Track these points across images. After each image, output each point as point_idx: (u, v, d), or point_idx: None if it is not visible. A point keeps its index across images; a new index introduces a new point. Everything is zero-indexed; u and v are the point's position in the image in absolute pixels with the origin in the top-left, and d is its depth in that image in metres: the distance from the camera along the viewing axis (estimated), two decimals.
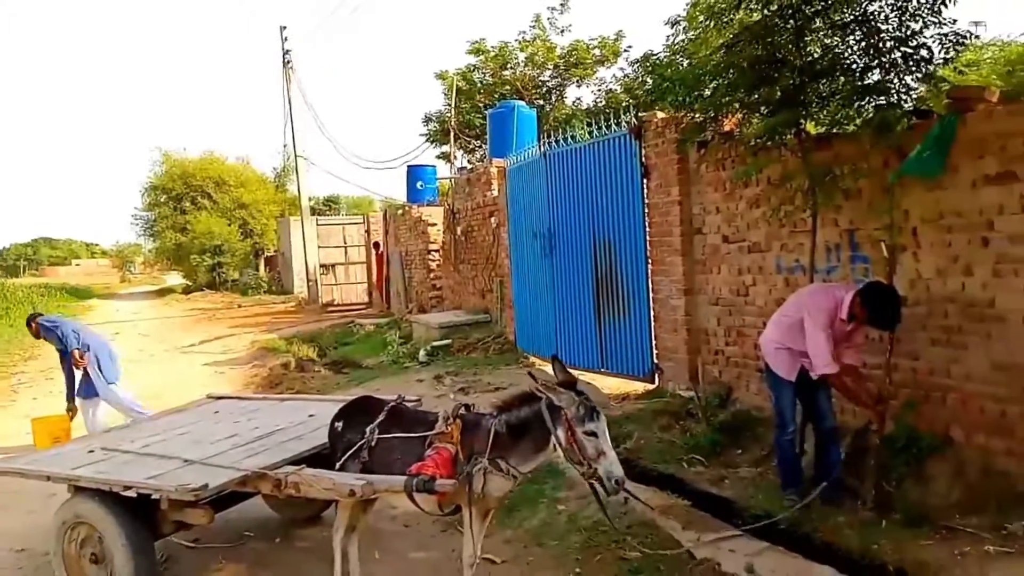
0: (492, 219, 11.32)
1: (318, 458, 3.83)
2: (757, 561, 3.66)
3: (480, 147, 21.55)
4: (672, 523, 4.18)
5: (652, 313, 7.12)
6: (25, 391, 11.11)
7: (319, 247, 21.64)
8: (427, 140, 23.78)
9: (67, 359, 7.06)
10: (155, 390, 9.91)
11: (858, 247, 4.98)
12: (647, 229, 7.09)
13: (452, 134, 17.44)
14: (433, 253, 14.52)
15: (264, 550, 4.58)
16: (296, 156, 23.50)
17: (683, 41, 16.18)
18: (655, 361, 7.13)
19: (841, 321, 4.21)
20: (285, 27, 23.44)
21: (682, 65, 14.51)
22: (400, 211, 16.65)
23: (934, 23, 4.44)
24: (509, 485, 3.32)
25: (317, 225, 22.44)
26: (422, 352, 10.47)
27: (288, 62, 23.33)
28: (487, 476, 3.22)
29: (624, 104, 15.74)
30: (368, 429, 3.60)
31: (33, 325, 7.40)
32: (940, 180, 4.35)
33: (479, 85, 22.61)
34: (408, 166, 17.48)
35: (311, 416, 4.68)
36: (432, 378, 8.74)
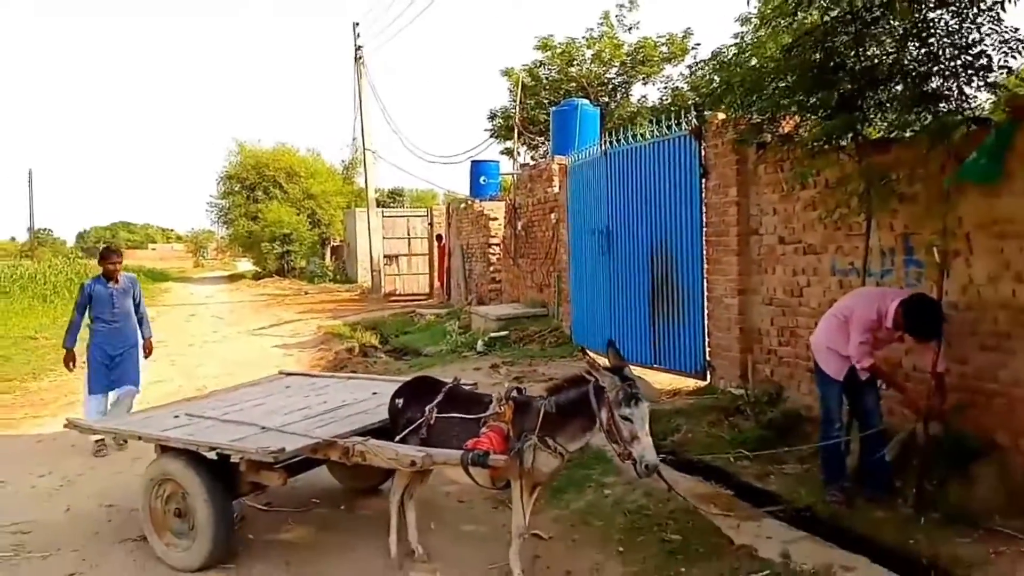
0: (552, 215, 11.55)
1: (381, 432, 4.14)
2: (793, 548, 3.81)
3: (543, 143, 21.74)
4: (714, 511, 4.34)
5: (706, 311, 7.24)
6: None
7: (384, 238, 22.24)
8: (491, 136, 24.11)
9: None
10: (229, 367, 10.52)
11: (912, 251, 5.03)
12: (704, 229, 7.21)
13: (516, 130, 17.70)
14: (494, 247, 14.84)
15: (329, 516, 4.94)
16: (364, 149, 24.14)
17: (752, 40, 16.01)
18: (707, 358, 7.25)
19: (888, 329, 4.32)
20: (358, 23, 24.08)
21: (750, 64, 14.39)
22: (463, 205, 17.03)
23: (994, 31, 4.47)
24: (557, 462, 3.56)
25: (382, 217, 23.05)
26: (480, 342, 10.78)
27: (360, 58, 23.97)
28: (536, 452, 3.47)
29: (690, 103, 15.73)
30: (428, 408, 3.89)
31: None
32: (995, 187, 4.38)
33: (545, 81, 22.79)
34: (472, 161, 17.85)
35: (375, 394, 5.00)
36: (489, 367, 9.04)
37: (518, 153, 19.53)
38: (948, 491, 4.24)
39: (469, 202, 16.48)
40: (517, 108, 18.41)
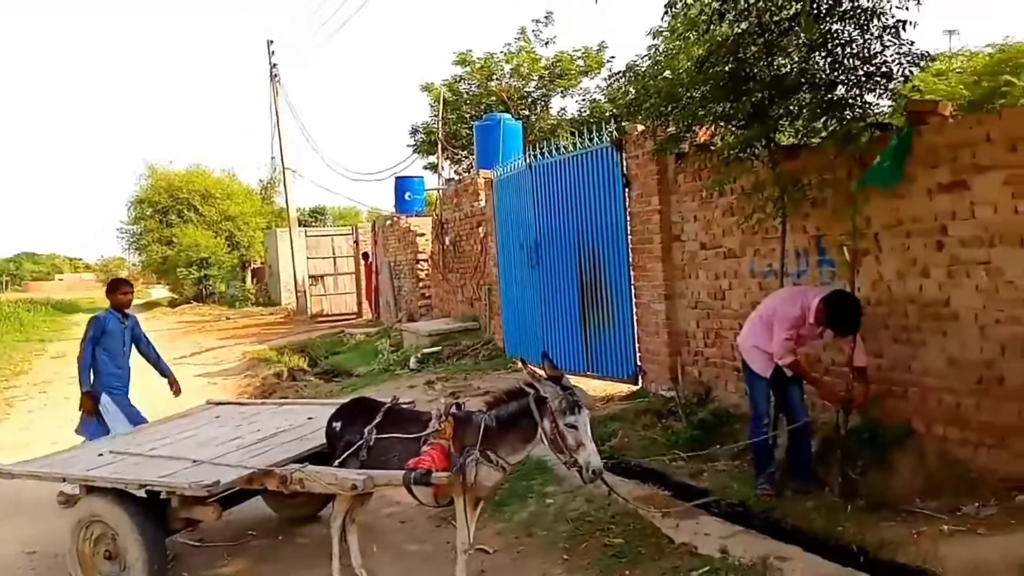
0: (480, 229, 11.59)
1: (318, 457, 4.06)
2: (730, 543, 3.94)
3: (467, 157, 21.82)
4: (653, 512, 4.44)
5: (635, 317, 7.40)
6: (20, 404, 11.22)
7: (308, 258, 21.84)
8: (414, 151, 24.04)
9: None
10: (150, 400, 10.05)
11: (825, 252, 5.29)
12: (629, 237, 7.39)
13: (439, 145, 17.73)
14: (422, 263, 14.78)
15: (266, 547, 4.80)
16: (283, 168, 23.68)
17: (664, 53, 16.55)
18: (638, 363, 7.41)
19: (810, 324, 4.53)
20: (272, 41, 23.68)
21: (664, 75, 14.90)
22: (388, 222, 16.90)
23: (893, 43, 4.77)
24: (499, 475, 3.58)
25: (305, 236, 22.63)
26: (412, 359, 10.70)
27: (275, 76, 23.54)
28: (478, 467, 3.48)
29: (608, 114, 16.10)
30: (366, 429, 3.85)
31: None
32: (898, 189, 4.66)
33: (465, 96, 22.90)
34: (396, 177, 17.75)
35: (310, 419, 4.91)
36: (423, 384, 8.98)
37: (442, 168, 19.54)
38: (870, 478, 4.47)
39: (395, 218, 16.37)
40: (439, 123, 18.46)
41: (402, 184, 17.11)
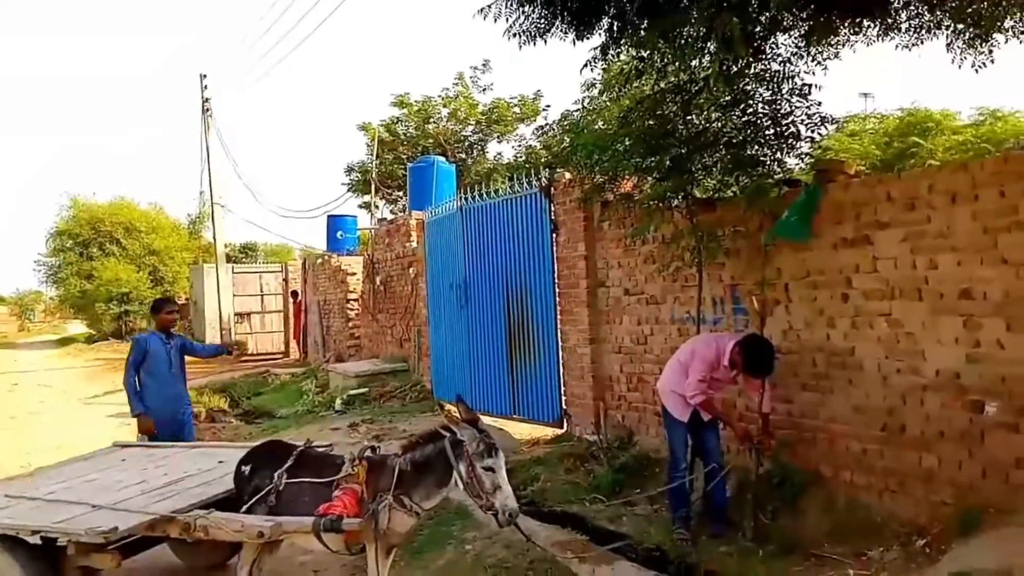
0: (411, 269, 11.56)
1: (227, 502, 3.92)
2: None
3: (402, 198, 21.84)
4: (570, 557, 4.43)
5: (561, 361, 7.47)
6: None
7: (234, 295, 21.28)
8: (349, 190, 23.94)
9: None
10: (56, 441, 9.55)
11: (739, 301, 5.48)
12: (556, 282, 7.49)
13: (373, 185, 17.70)
14: (352, 302, 14.60)
15: None
16: (212, 203, 23.18)
17: (595, 105, 17.05)
18: (564, 407, 7.45)
19: (724, 367, 4.66)
20: (205, 75, 23.34)
21: (596, 126, 15.35)
22: (319, 260, 16.68)
23: (802, 105, 5.06)
24: (412, 521, 3.52)
25: (233, 273, 22.08)
26: (338, 401, 10.50)
27: (207, 109, 23.17)
28: (391, 513, 3.42)
29: (543, 161, 16.41)
30: (276, 473, 3.74)
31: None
32: (807, 242, 4.90)
33: (402, 137, 23.04)
34: (328, 216, 17.59)
35: (220, 463, 4.73)
36: (347, 426, 8.80)
37: (376, 207, 19.48)
38: (782, 522, 4.59)
39: (326, 257, 16.17)
40: (374, 162, 18.45)
41: (334, 223, 16.95)
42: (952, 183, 4.22)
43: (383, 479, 3.47)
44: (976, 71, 5.50)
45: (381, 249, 13.25)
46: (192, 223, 35.63)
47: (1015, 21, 5.28)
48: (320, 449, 4.19)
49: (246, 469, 3.87)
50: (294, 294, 19.13)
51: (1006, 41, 5.43)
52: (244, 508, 3.70)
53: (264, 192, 76.12)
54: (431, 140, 22.63)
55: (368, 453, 3.64)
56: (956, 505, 4.10)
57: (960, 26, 5.35)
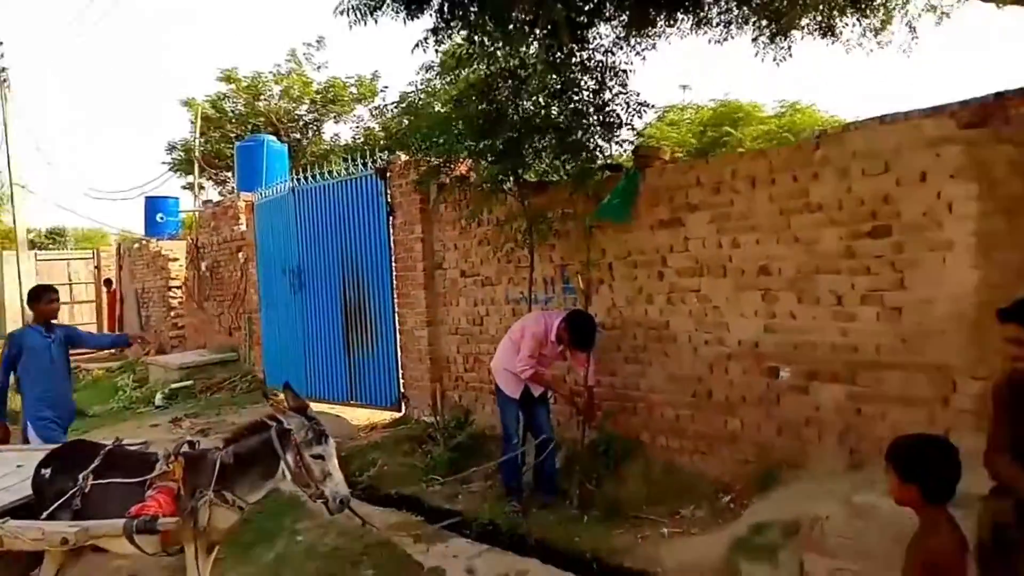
0: (240, 254, 10.98)
1: (27, 510, 3.56)
2: (477, 562, 4.07)
3: (231, 179, 20.65)
4: (406, 539, 4.45)
5: (399, 345, 7.43)
6: None
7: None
8: (170, 169, 22.26)
9: None
10: None
11: (568, 280, 5.71)
12: (393, 264, 7.43)
13: (197, 165, 16.59)
14: (175, 290, 13.63)
15: None
16: (11, 184, 20.72)
17: (433, 87, 16.98)
18: (401, 390, 7.43)
19: (552, 343, 4.85)
20: (1, 43, 20.72)
21: (433, 108, 15.31)
22: (136, 245, 15.43)
23: (622, 93, 5.32)
24: (235, 516, 3.36)
25: (36, 261, 19.92)
26: (159, 396, 9.82)
27: (4, 80, 20.59)
28: (212, 509, 3.25)
29: (381, 142, 16.14)
30: (81, 475, 3.44)
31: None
32: (627, 224, 5.18)
33: (231, 115, 21.73)
34: (147, 197, 16.30)
35: (20, 467, 4.27)
36: (169, 422, 8.27)
37: (201, 188, 18.29)
38: (605, 489, 4.86)
39: (144, 242, 14.98)
40: (197, 140, 17.28)
41: (153, 204, 15.74)
42: (752, 169, 4.62)
43: (202, 475, 3.29)
44: (777, 64, 6.07)
45: (207, 233, 12.46)
46: None
47: (810, 19, 5.85)
48: (133, 448, 3.90)
49: (46, 472, 3.52)
50: (107, 282, 17.55)
51: (802, 38, 6.03)
52: (45, 515, 3.37)
53: (77, 172, 69.05)
54: (262, 118, 21.51)
55: (185, 448, 3.44)
56: (757, 463, 4.54)
57: (764, 23, 5.86)
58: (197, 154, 16.45)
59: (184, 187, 22.54)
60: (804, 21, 5.93)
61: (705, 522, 4.33)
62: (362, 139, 21.12)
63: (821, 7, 5.75)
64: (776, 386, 4.49)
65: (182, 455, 3.37)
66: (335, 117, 22.83)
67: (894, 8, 5.96)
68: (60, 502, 3.40)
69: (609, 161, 5.45)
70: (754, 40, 5.98)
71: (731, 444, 4.71)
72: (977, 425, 3.27)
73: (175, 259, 13.60)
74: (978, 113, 3.72)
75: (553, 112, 5.43)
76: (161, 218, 15.33)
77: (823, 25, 5.92)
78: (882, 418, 4.02)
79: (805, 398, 4.37)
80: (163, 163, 22.70)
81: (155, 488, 3.29)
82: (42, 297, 5.34)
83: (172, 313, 13.54)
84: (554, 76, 5.28)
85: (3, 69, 20.76)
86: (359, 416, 7.74)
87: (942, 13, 5.94)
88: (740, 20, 5.99)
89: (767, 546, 3.64)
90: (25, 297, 5.17)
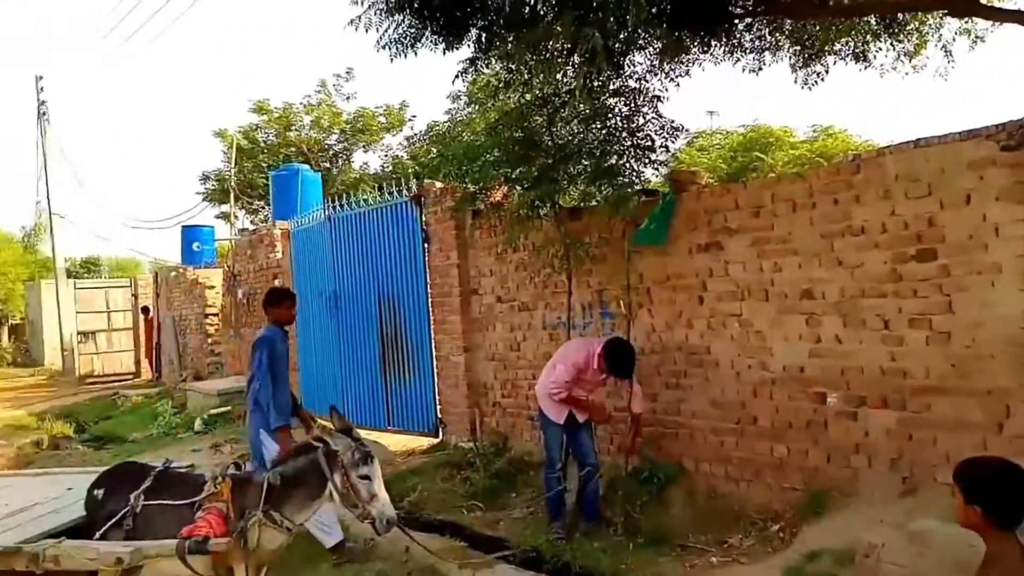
0: (276, 281, 11.13)
1: (78, 531, 3.62)
2: None
3: (264, 208, 21.00)
4: (449, 565, 4.42)
5: (435, 370, 7.46)
6: None
7: (77, 313, 19.64)
8: (205, 199, 22.72)
9: None
10: None
11: (606, 305, 5.70)
12: (429, 290, 7.48)
13: (232, 194, 16.92)
14: (211, 317, 13.85)
15: None
16: (51, 214, 21.32)
17: (464, 116, 17.19)
18: (439, 416, 7.44)
19: (594, 370, 4.84)
20: (42, 77, 21.48)
21: (463, 137, 15.50)
22: (173, 273, 15.73)
23: (656, 118, 5.35)
24: (283, 537, 3.39)
25: (75, 289, 20.40)
26: (198, 421, 9.93)
27: (44, 113, 21.34)
28: (261, 530, 3.28)
29: (410, 170, 16.33)
30: (132, 496, 3.50)
31: None
32: (665, 248, 5.18)
33: (263, 145, 22.18)
34: (183, 226, 16.65)
35: (70, 489, 4.35)
36: (209, 447, 8.36)
37: (235, 217, 18.63)
38: (649, 516, 4.81)
39: (181, 270, 15.26)
40: (232, 170, 17.63)
41: (189, 234, 16.07)
42: (791, 192, 4.61)
43: (251, 495, 3.33)
44: (810, 89, 6.07)
45: (243, 261, 12.67)
46: (27, 236, 32.57)
47: (843, 45, 5.86)
48: (180, 470, 3.96)
49: (99, 493, 3.59)
50: (145, 310, 17.89)
51: (834, 63, 6.04)
52: (98, 535, 3.43)
53: (113, 202, 70.81)
54: (293, 148, 21.93)
55: (231, 470, 3.48)
56: (805, 490, 4.46)
57: (797, 47, 5.87)
58: (232, 183, 16.75)
59: (217, 216, 22.99)
60: (837, 46, 5.94)
61: (755, 551, 4.26)
62: (391, 168, 21.41)
63: (854, 32, 5.76)
64: (823, 411, 4.43)
65: (229, 476, 3.42)
66: (364, 146, 23.20)
67: (928, 32, 5.95)
68: (112, 522, 3.46)
69: (645, 186, 5.47)
70: (792, 66, 6.00)
71: (777, 471, 4.64)
72: None
73: (212, 287, 13.84)
74: (1015, 135, 3.69)
75: (587, 137, 5.48)
76: (197, 247, 15.64)
77: (856, 50, 5.93)
78: (934, 444, 3.94)
79: (854, 424, 4.30)
80: (197, 193, 23.18)
81: (205, 509, 3.33)
82: (282, 302, 5.14)
83: (209, 340, 13.74)
84: (590, 102, 5.33)
85: (43, 102, 21.55)
86: (396, 442, 7.75)
87: (975, 37, 5.90)
88: (773, 46, 6.02)
89: (821, 575, 3.56)
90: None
